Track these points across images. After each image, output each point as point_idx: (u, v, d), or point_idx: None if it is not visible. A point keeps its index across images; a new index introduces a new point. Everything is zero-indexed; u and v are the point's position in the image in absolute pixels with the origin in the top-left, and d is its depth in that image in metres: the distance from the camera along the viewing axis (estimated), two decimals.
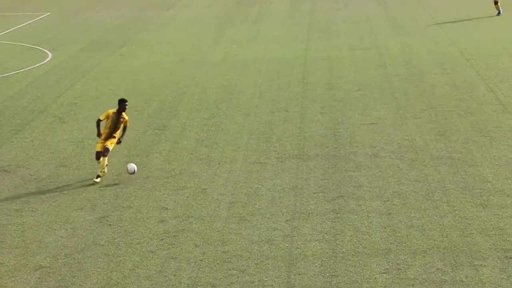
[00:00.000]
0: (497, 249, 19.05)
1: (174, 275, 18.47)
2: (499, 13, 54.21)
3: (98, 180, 23.75)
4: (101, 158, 23.74)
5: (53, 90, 37.46)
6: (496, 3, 53.99)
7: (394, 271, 18.14)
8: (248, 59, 43.57)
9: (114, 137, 24.03)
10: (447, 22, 52.10)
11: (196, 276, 18.33)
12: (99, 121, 24.38)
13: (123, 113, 24.07)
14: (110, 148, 23.73)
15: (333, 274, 18.21)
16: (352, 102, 33.51)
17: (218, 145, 28.19)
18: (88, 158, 22.71)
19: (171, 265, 18.96)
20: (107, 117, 24.08)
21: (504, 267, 18.17)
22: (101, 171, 23.90)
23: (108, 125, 23.97)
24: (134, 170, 23.89)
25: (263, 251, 19.62)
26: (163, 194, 23.51)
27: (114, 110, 24.19)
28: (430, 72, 38.53)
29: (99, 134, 24.06)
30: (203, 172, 25.46)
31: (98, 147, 23.84)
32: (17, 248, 20.21)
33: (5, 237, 20.89)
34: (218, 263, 19.01)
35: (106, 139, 23.90)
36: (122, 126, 24.10)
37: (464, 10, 56.99)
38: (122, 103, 24.31)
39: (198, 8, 65.80)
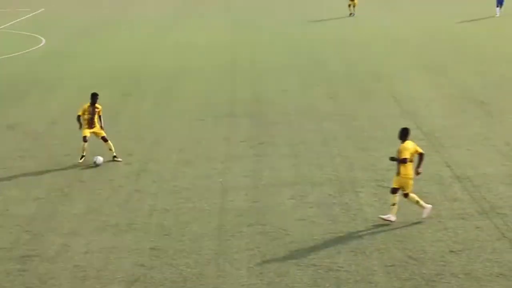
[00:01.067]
0: (372, 180, 19.42)
1: (137, 203, 18.59)
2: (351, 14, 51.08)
3: (81, 160, 21.76)
4: (87, 143, 21.72)
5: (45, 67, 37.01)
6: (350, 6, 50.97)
7: (298, 197, 18.43)
8: (193, 44, 43.38)
9: (95, 124, 21.87)
10: (337, 18, 52.09)
11: (154, 204, 18.44)
12: (78, 116, 21.94)
13: (96, 104, 21.91)
14: (105, 135, 21.97)
15: (255, 200, 18.45)
16: (269, 75, 33.62)
17: (170, 108, 28.22)
18: (73, 117, 22.37)
19: (135, 196, 19.04)
20: (84, 111, 21.89)
21: (376, 192, 18.59)
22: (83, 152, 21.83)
23: (86, 117, 21.87)
24: (96, 162, 21.37)
25: (203, 184, 19.76)
26: (129, 143, 23.51)
27: (88, 103, 21.86)
28: (326, 53, 38.70)
29: (80, 127, 21.92)
30: (159, 127, 25.52)
31: (85, 133, 21.84)
32: (20, 184, 20.13)
33: (11, 176, 20.76)
34: (170, 194, 19.13)
35: (90, 127, 21.85)
36: (97, 114, 21.95)
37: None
38: (94, 97, 21.87)
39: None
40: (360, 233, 16.21)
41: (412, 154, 16.52)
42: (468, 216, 16.78)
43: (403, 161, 16.31)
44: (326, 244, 15.76)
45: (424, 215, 16.53)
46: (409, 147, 16.56)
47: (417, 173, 16.70)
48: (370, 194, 18.47)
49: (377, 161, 20.86)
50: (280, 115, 26.46)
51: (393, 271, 14.41)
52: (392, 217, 16.51)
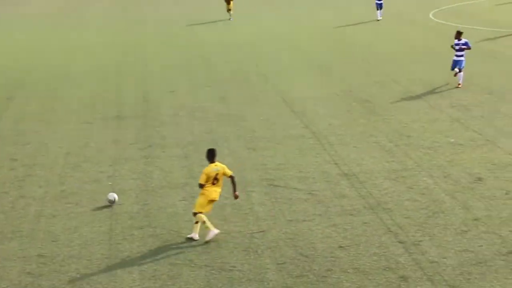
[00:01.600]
0: (262, 179, 19.65)
1: (23, 209, 18.12)
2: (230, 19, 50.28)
3: None
4: None
5: None
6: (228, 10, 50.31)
7: (190, 198, 18.37)
8: (81, 45, 42.62)
9: None
10: (221, 20, 52.33)
11: (41, 209, 18.05)
12: None
13: None
14: None
15: (145, 203, 18.34)
16: (158, 76, 33.44)
17: (56, 111, 27.62)
18: None
19: (21, 202, 18.58)
20: None
21: (267, 191, 18.83)
22: None
23: None
24: (113, 199, 18.54)
25: (92, 188, 19.50)
26: (13, 148, 22.86)
27: None
28: (215, 54, 38.82)
29: None
30: (44, 130, 24.94)
31: None
32: None
33: None
34: (57, 199, 18.77)
35: None
36: None
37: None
38: None
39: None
40: (252, 232, 16.35)
41: (212, 178, 16.00)
42: (356, 212, 17.23)
43: (200, 186, 16.06)
44: (218, 245, 15.83)
45: (207, 238, 15.90)
46: (211, 170, 16.04)
47: (235, 197, 16.41)
48: (261, 193, 18.67)
49: (267, 161, 21.10)
50: (169, 117, 26.37)
51: (284, 268, 14.63)
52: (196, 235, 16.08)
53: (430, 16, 47.38)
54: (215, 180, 16.12)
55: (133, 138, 23.87)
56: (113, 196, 18.30)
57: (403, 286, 13.73)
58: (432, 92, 27.88)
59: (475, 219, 16.45)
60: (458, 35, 27.97)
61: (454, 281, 13.75)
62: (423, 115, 25.01)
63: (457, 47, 27.83)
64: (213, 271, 14.65)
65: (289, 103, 27.65)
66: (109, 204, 18.18)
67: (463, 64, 27.78)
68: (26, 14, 57.33)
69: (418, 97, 27.30)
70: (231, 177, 16.39)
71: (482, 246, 15.13)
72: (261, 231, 16.39)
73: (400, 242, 15.50)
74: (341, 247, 15.46)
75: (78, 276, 14.64)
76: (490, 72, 30.92)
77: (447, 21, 44.17)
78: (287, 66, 34.58)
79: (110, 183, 19.83)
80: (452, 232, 15.84)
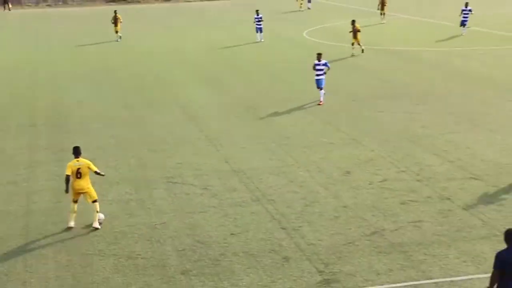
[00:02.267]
0: (163, 177, 19.49)
1: None
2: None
3: None
4: None
5: None
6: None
7: (99, 196, 17.69)
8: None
9: None
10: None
11: None
12: None
13: None
14: None
15: (59, 201, 17.82)
16: (66, 86, 32.60)
17: None
18: None
19: None
20: None
21: (167, 188, 18.69)
22: None
23: None
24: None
25: (9, 190, 18.81)
26: None
27: None
28: (119, 67, 38.21)
29: None
30: None
31: None
32: None
33: None
34: None
35: None
36: None
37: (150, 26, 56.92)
38: None
39: None
40: (155, 224, 16.21)
41: (75, 172, 15.89)
42: (245, 203, 17.36)
43: (66, 179, 15.94)
44: (125, 236, 15.61)
45: (95, 225, 15.95)
46: (72, 165, 15.98)
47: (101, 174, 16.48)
48: (162, 190, 18.50)
49: (166, 161, 20.95)
50: (77, 124, 25.75)
51: (184, 254, 14.58)
52: (72, 223, 16.01)
53: (304, 35, 48.29)
54: (78, 174, 15.89)
55: (46, 144, 23.17)
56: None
57: (285, 265, 13.94)
58: (307, 99, 28.43)
59: (345, 206, 16.90)
60: (319, 56, 27.33)
61: (328, 260, 14.07)
62: (300, 119, 25.47)
63: (317, 67, 27.19)
64: (120, 259, 14.44)
65: (185, 109, 27.56)
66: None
67: (324, 83, 27.31)
68: None
69: (296, 104, 27.76)
70: (96, 173, 16.28)
71: (350, 229, 15.56)
72: (162, 223, 16.28)
73: (282, 228, 15.73)
74: (232, 234, 15.55)
75: None
76: (354, 81, 31.85)
77: (318, 39, 45.15)
78: (183, 78, 34.44)
79: (25, 184, 19.19)
80: (326, 218, 16.21)
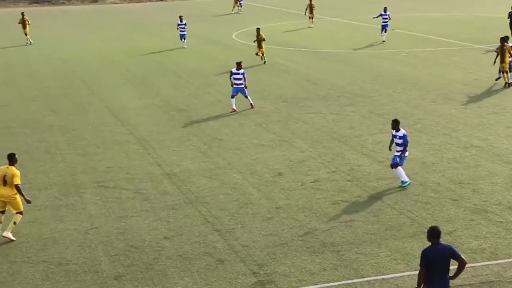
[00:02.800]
0: (93, 182, 19.17)
1: None
2: None
3: None
4: None
5: None
6: None
7: (25, 203, 17.56)
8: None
9: None
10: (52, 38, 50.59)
11: None
12: None
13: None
14: None
15: None
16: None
17: None
18: None
19: None
20: None
21: (98, 192, 18.38)
22: None
23: None
24: None
25: None
26: None
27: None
28: (43, 72, 37.29)
29: None
30: None
31: None
32: None
33: None
34: None
35: None
36: None
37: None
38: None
39: None
40: (86, 229, 15.91)
41: (1, 178, 15.28)
42: (178, 206, 17.25)
43: None
44: (55, 242, 15.26)
45: (6, 234, 15.30)
46: (1, 169, 15.44)
47: (27, 201, 15.57)
48: (93, 194, 18.20)
49: (96, 165, 20.62)
50: (3, 128, 25.02)
51: (117, 259, 14.36)
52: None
53: (233, 37, 48.42)
54: (3, 181, 15.37)
55: None
56: None
57: (220, 268, 13.92)
58: (239, 101, 28.48)
59: (278, 208, 17.02)
60: (238, 66, 26.65)
61: (262, 261, 14.13)
62: (231, 121, 25.51)
63: (236, 77, 26.54)
64: (50, 266, 14.10)
65: (114, 113, 27.16)
66: None
67: (246, 92, 26.75)
68: None
69: (226, 105, 27.78)
70: (16, 186, 15.31)
71: (284, 229, 15.68)
72: (94, 228, 15.99)
73: (216, 231, 15.72)
74: (166, 237, 15.43)
75: None
76: (283, 83, 32.11)
77: (246, 41, 45.36)
78: (111, 81, 33.95)
79: None
80: (259, 219, 16.29)
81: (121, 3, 79.42)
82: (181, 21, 43.75)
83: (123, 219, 16.44)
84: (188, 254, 14.55)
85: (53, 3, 79.05)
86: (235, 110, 26.61)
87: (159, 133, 24.08)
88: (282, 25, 53.85)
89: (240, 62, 26.98)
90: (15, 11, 70.99)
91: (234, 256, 14.37)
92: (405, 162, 18.28)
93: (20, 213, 15.54)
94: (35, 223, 16.24)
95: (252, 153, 21.48)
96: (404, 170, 18.11)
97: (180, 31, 43.91)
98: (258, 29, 37.17)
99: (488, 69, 32.29)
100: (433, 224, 13.42)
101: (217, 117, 26.17)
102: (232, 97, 26.76)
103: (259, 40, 36.58)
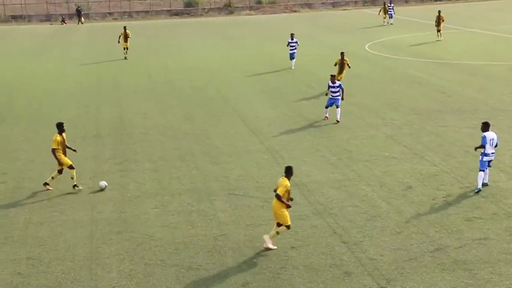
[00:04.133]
0: (224, 189, 19.62)
1: (14, 217, 17.81)
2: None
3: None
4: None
5: None
6: None
7: (161, 207, 18.34)
8: (58, 71, 42.23)
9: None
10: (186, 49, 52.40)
11: (29, 217, 17.73)
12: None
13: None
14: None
15: (122, 211, 18.18)
16: (129, 99, 33.22)
17: (40, 132, 27.16)
18: None
19: (12, 211, 18.25)
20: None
21: (228, 199, 18.79)
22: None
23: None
24: (103, 186, 19.83)
25: (71, 197, 19.23)
26: (4, 164, 22.49)
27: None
28: (180, 80, 38.71)
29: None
30: (31, 148, 24.57)
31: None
32: None
33: None
34: (44, 208, 18.47)
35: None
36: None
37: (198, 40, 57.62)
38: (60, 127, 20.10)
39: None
40: (216, 236, 16.31)
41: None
42: (305, 217, 17.30)
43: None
44: (186, 246, 15.75)
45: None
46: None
47: None
48: (223, 202, 18.62)
49: (228, 173, 21.07)
50: (141, 135, 26.19)
51: (244, 266, 14.60)
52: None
53: (366, 48, 47.97)
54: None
55: (110, 154, 23.65)
56: (103, 184, 19.78)
57: (347, 280, 13.81)
58: (369, 112, 28.22)
59: (407, 222, 16.65)
60: (333, 78, 26.92)
61: (390, 275, 13.88)
62: (361, 133, 25.27)
63: (332, 89, 26.82)
64: (182, 270, 14.58)
65: (246, 122, 27.68)
66: (100, 190, 19.56)
67: (339, 102, 26.93)
68: (15, 46, 56.56)
69: (357, 117, 27.57)
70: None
71: (413, 244, 15.31)
72: (223, 234, 16.36)
73: (343, 243, 15.61)
74: (293, 247, 15.51)
75: (63, 275, 14.43)
76: (416, 95, 31.39)
77: (380, 52, 44.77)
78: (243, 91, 34.63)
79: (91, 193, 19.62)
80: (388, 233, 16.00)
81: (256, 14, 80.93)
82: (292, 39, 40.19)
83: (251, 227, 16.71)
84: (314, 265, 14.55)
85: (192, 15, 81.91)
86: (327, 118, 27.34)
87: (289, 143, 24.26)
88: (416, 36, 52.67)
89: (334, 75, 27.60)
90: (157, 23, 74.40)
91: (361, 269, 14.21)
92: None
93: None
94: (168, 227, 16.85)
95: (382, 166, 21.17)
96: None
97: (290, 49, 40.23)
98: (342, 53, 33.05)
99: None
100: None
101: (347, 128, 26.01)
102: (326, 107, 27.41)
103: (341, 64, 32.73)
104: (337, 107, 27.07)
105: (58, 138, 19.88)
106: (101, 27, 72.14)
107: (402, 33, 54.99)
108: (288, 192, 15.39)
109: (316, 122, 27.24)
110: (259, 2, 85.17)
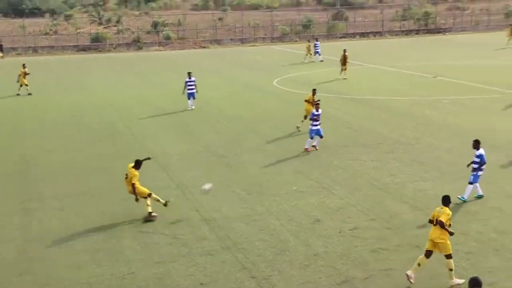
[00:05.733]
0: (132, 226, 19.29)
1: None
2: None
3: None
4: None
5: None
6: None
7: (65, 246, 17.84)
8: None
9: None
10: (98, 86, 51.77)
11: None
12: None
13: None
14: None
15: (24, 251, 17.51)
16: (34, 136, 32.33)
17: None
18: None
19: None
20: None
21: (137, 237, 18.43)
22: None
23: None
24: (206, 189, 20.13)
25: None
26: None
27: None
28: (87, 115, 38.06)
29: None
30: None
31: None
32: None
33: None
34: None
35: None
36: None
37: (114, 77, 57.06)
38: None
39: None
40: (123, 274, 16.02)
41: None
42: (215, 252, 17.27)
43: None
44: (91, 286, 15.36)
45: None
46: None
47: None
48: (131, 239, 18.34)
49: (137, 210, 20.66)
50: (46, 172, 25.54)
51: None
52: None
53: (274, 83, 48.82)
54: None
55: (13, 193, 22.88)
56: (206, 188, 19.99)
57: None
58: (279, 148, 28.62)
59: (315, 255, 16.90)
60: (317, 106, 27.98)
61: None
62: (271, 167, 25.57)
63: (314, 117, 27.75)
64: None
65: (155, 158, 27.41)
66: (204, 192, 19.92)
67: (322, 132, 27.94)
68: None
69: (268, 152, 27.91)
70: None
71: (321, 277, 15.54)
72: (131, 273, 16.08)
73: (253, 277, 15.66)
74: (202, 283, 15.43)
75: None
76: (324, 130, 32.00)
77: (288, 88, 45.68)
78: (152, 126, 34.41)
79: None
80: (297, 267, 16.19)
81: (165, 50, 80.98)
82: (190, 77, 38.56)
83: (160, 265, 16.52)
84: None
85: (99, 50, 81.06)
86: (308, 150, 27.70)
87: (199, 178, 24.20)
88: (323, 72, 54.12)
89: (318, 103, 28.38)
90: (64, 58, 73.12)
91: None
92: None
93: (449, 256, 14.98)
94: (74, 267, 16.40)
95: (291, 200, 21.46)
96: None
97: (188, 89, 38.44)
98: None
99: None
100: (474, 275, 13.11)
101: (257, 162, 26.26)
102: (311, 138, 27.90)
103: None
104: (321, 137, 27.92)
105: None
106: (3, 62, 70.20)
107: (309, 69, 56.38)
108: (450, 219, 15.08)
109: (226, 157, 27.37)
110: (168, 38, 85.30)
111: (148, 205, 19.89)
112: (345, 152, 27.48)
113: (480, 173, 20.65)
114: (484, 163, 20.61)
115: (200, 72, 56.86)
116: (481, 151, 20.67)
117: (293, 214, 20.05)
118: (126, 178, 19.96)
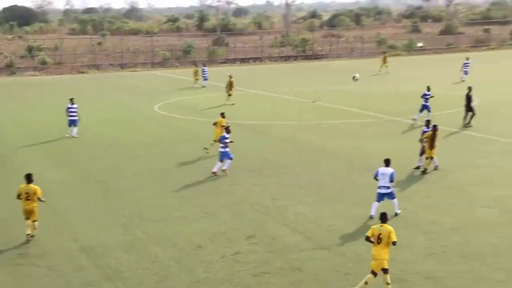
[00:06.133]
0: (5, 259, 18.36)
1: None
2: None
3: None
4: None
5: None
6: None
7: None
8: None
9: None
10: None
11: None
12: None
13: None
14: None
15: None
16: None
17: None
18: None
19: None
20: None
21: (11, 270, 17.52)
22: None
23: None
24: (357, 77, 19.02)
25: None
26: None
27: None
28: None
29: None
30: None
31: None
32: None
33: None
34: None
35: None
36: None
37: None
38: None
39: None
40: None
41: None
42: (94, 282, 16.75)
43: None
44: None
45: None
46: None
47: None
48: (5, 273, 17.41)
49: (11, 240, 19.77)
50: None
51: None
52: None
53: (155, 109, 48.45)
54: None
55: None
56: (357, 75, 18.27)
57: None
58: (159, 172, 28.33)
59: (197, 281, 16.77)
60: (228, 129, 28.23)
61: None
62: (153, 193, 25.24)
63: (223, 140, 27.90)
64: None
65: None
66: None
67: (231, 155, 28.01)
68: None
69: (148, 177, 27.55)
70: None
71: None
72: None
73: None
74: None
75: None
76: (207, 156, 32.05)
77: (169, 113, 45.45)
78: (28, 152, 33.13)
79: None
80: None
81: (40, 75, 78.40)
82: (72, 104, 37.24)
83: None
84: None
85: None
86: (215, 174, 27.64)
87: (77, 206, 23.52)
88: (205, 97, 54.36)
89: (229, 127, 28.49)
90: None
91: None
92: (320, 231, 18.44)
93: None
94: None
95: (173, 226, 21.24)
96: (320, 239, 18.24)
97: (70, 116, 37.07)
98: (222, 113, 32.69)
99: (403, 141, 33.34)
100: None
101: (137, 189, 25.86)
102: (221, 160, 27.89)
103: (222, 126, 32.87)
104: (231, 159, 27.95)
105: None
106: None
107: (192, 94, 56.42)
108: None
109: (105, 183, 26.74)
110: (44, 63, 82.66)
111: (34, 227, 19.71)
112: (230, 177, 27.58)
113: (378, 190, 21.95)
114: (375, 178, 22.19)
115: (80, 97, 55.58)
116: (380, 168, 22.18)
117: (176, 240, 19.83)
118: (28, 198, 19.83)
